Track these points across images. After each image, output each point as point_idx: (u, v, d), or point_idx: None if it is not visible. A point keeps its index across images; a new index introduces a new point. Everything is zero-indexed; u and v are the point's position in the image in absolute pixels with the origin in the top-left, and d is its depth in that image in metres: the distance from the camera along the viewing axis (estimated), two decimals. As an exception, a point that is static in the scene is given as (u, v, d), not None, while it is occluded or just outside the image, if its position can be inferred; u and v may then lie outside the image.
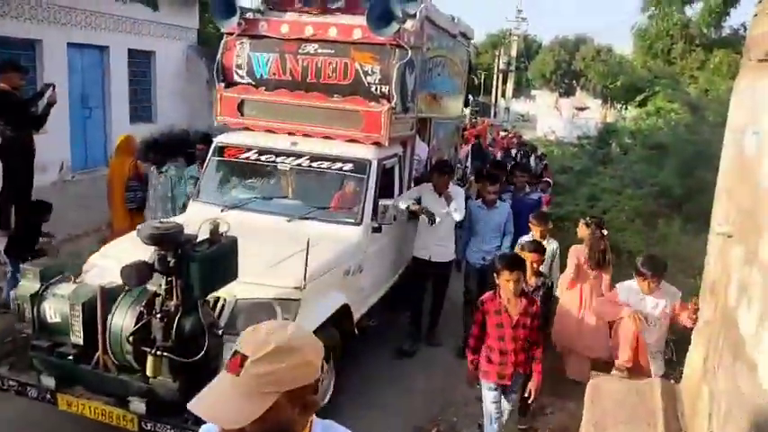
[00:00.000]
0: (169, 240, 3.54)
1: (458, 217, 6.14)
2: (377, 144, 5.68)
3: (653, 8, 23.63)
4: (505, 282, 4.10)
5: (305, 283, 4.20)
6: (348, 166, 5.57)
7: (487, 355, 4.31)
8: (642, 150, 14.80)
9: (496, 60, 47.73)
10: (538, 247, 5.20)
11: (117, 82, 13.57)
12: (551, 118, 36.07)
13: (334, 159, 5.61)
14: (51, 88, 6.94)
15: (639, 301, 4.84)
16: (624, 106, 21.22)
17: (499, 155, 15.27)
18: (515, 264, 4.21)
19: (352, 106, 5.64)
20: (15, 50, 10.75)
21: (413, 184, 6.74)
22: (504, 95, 42.82)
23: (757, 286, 2.82)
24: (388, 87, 5.56)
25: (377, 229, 5.46)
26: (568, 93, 50.52)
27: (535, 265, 5.24)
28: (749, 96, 3.59)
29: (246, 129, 6.09)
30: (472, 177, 10.61)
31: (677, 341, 5.90)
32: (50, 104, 6.82)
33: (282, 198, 5.75)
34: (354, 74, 5.63)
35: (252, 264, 4.24)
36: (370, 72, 5.58)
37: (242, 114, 6.01)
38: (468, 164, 11.40)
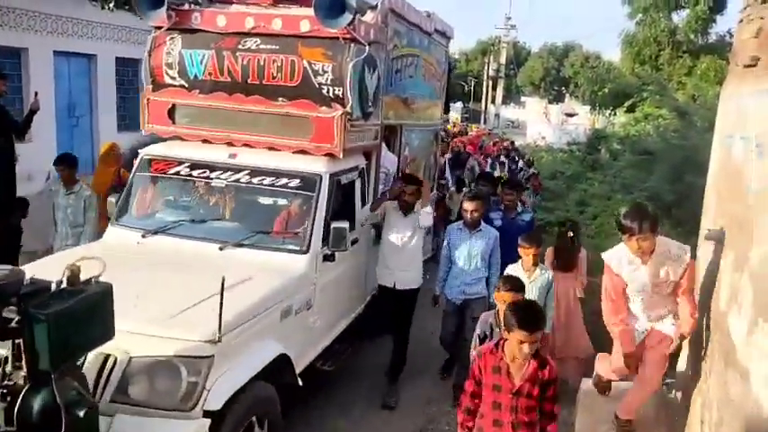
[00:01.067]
0: (4, 293, 2.53)
1: (425, 222, 5.31)
2: (330, 156, 4.76)
3: (640, 15, 23.84)
4: (518, 343, 3.01)
5: (220, 334, 3.22)
6: (294, 182, 4.65)
7: (480, 426, 3.28)
8: (631, 156, 14.82)
9: (486, 67, 47.92)
10: (514, 285, 3.88)
11: (104, 90, 13.31)
12: (541, 124, 36.02)
13: (278, 174, 4.67)
14: (34, 95, 6.82)
15: (633, 271, 3.69)
16: (613, 112, 21.26)
17: (488, 164, 14.13)
18: (535, 321, 3.02)
19: (300, 111, 4.72)
20: (1, 59, 10.52)
21: None
22: (493, 102, 42.79)
23: (747, 292, 2.81)
24: (342, 89, 4.66)
25: (329, 257, 4.55)
26: (557, 99, 50.56)
27: None
28: (735, 102, 3.60)
29: (179, 138, 5.10)
30: (453, 188, 9.81)
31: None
32: (33, 111, 6.57)
33: (216, 221, 4.78)
34: (302, 73, 4.71)
35: (158, 308, 3.39)
36: (320, 71, 4.67)
37: (173, 122, 5.03)
38: (448, 174, 10.62)
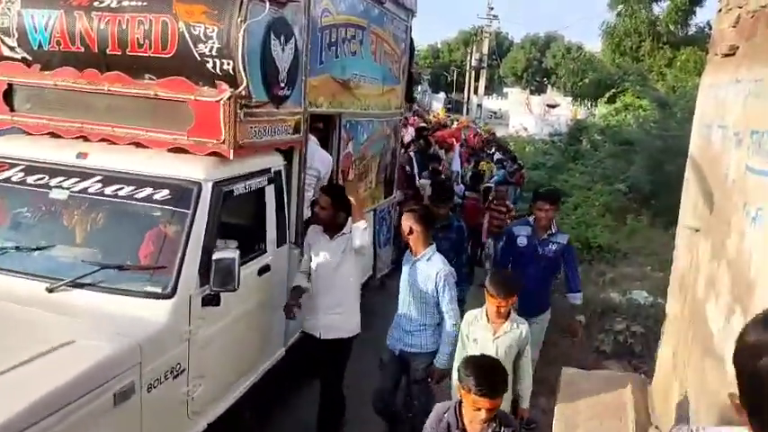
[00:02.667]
0: None
1: (359, 242, 3.97)
2: (216, 155, 3.36)
3: (621, 6, 23.91)
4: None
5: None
6: (161, 194, 3.25)
7: None
8: (611, 146, 14.94)
9: (468, 57, 47.93)
10: (493, 387, 2.49)
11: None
12: (523, 115, 36.22)
13: (140, 182, 3.29)
14: None
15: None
16: (594, 103, 21.38)
17: (465, 163, 12.77)
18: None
19: (173, 93, 3.32)
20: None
21: (304, 217, 4.47)
22: (476, 93, 42.78)
23: (724, 280, 2.83)
24: (231, 62, 3.26)
25: (211, 300, 3.18)
26: (539, 90, 50.61)
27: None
28: (714, 91, 3.61)
29: (21, 131, 3.72)
30: (424, 191, 8.45)
31: (647, 334, 5.98)
32: None
33: (50, 248, 3.28)
34: (178, 40, 3.29)
35: None
36: (202, 37, 3.25)
37: (11, 108, 3.63)
38: (416, 172, 9.44)
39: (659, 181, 11.16)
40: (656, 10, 23.08)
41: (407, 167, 9.26)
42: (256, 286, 3.80)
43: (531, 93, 44.85)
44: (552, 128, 21.86)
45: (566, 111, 28.13)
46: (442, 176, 9.32)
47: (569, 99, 25.97)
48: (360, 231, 3.95)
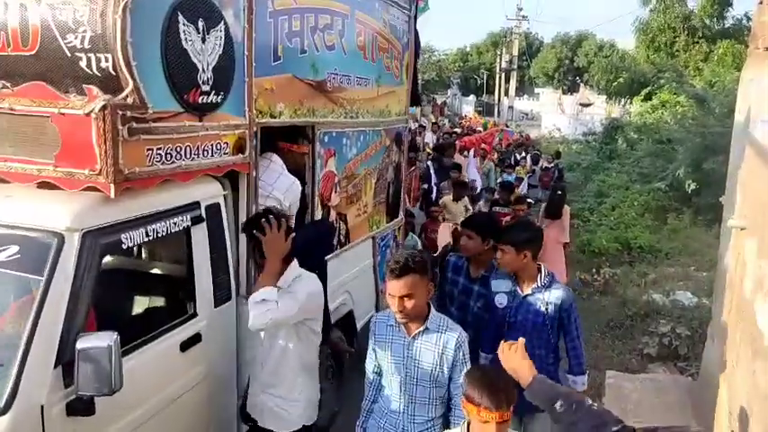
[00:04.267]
0: None
1: (304, 291, 2.82)
2: (94, 190, 2.43)
3: (654, 2, 23.51)
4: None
5: None
6: (7, 254, 2.33)
7: None
8: (649, 145, 14.72)
9: (498, 59, 47.63)
10: (501, 399, 2.13)
11: None
12: (556, 115, 35.87)
13: None
14: None
15: None
16: (629, 101, 21.13)
17: (491, 170, 12.06)
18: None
19: (32, 106, 2.45)
20: None
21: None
22: (507, 94, 42.53)
23: (774, 279, 2.77)
24: (110, 57, 2.33)
25: (84, 407, 2.24)
26: (572, 90, 50.09)
27: None
28: (757, 85, 3.55)
29: None
30: (443, 199, 8.17)
31: (692, 336, 5.86)
32: None
33: None
34: (41, 33, 2.39)
35: None
36: (71, 24, 2.34)
37: None
38: (434, 183, 9.14)
39: (700, 179, 10.93)
40: (690, 4, 22.67)
41: (425, 184, 8.95)
42: (177, 368, 2.79)
43: (564, 92, 44.37)
44: (586, 127, 21.57)
45: (599, 109, 27.76)
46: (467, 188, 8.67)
47: (603, 97, 25.63)
48: (255, 305, 2.67)
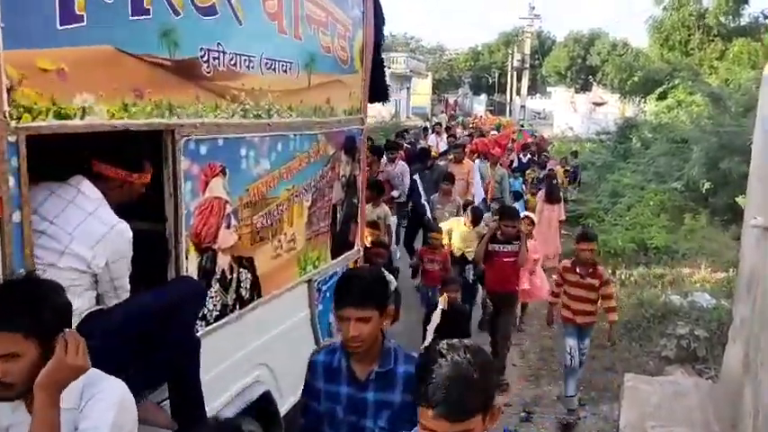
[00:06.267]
0: None
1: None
2: None
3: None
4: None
5: None
6: None
7: None
8: (664, 144, 14.60)
9: (510, 58, 47.45)
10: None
11: None
12: (568, 114, 35.71)
13: None
14: None
15: None
16: (643, 100, 20.99)
17: (504, 178, 9.97)
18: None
19: None
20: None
21: None
22: (518, 94, 42.33)
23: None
24: None
25: None
26: (584, 88, 49.89)
27: None
28: (779, 84, 3.52)
29: None
30: (449, 222, 6.86)
31: (710, 338, 5.81)
32: None
33: None
34: None
35: None
36: None
37: None
38: (421, 190, 8.03)
39: (716, 178, 10.83)
40: (704, 1, 22.52)
41: (411, 201, 8.04)
42: None
43: (576, 91, 44.14)
44: (599, 126, 21.42)
45: (613, 108, 27.59)
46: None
47: (616, 96, 25.47)
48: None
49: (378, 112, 29.81)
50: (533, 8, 37.22)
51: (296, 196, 3.54)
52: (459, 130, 20.31)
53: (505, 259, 5.52)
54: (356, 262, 4.44)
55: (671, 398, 4.31)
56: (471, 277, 6.55)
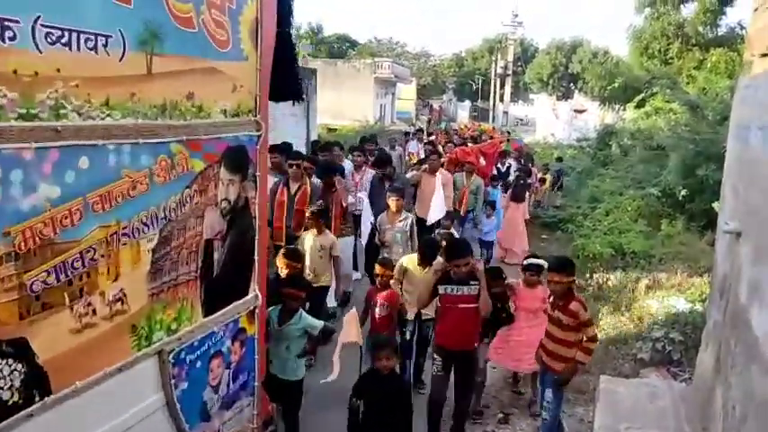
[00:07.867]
0: None
1: None
2: None
3: (648, 9, 23.70)
4: None
5: None
6: None
7: None
8: (642, 151, 14.78)
9: (493, 65, 47.76)
10: None
11: None
12: (550, 121, 36.05)
13: None
14: None
15: None
16: (622, 107, 21.23)
17: (479, 188, 8.90)
18: None
19: None
20: None
21: None
22: (502, 100, 42.69)
23: (769, 284, 2.76)
24: None
25: None
26: (566, 96, 50.38)
27: None
28: (752, 92, 3.55)
29: None
30: (404, 260, 5.20)
31: (685, 342, 5.86)
32: None
33: None
34: None
35: None
36: None
37: None
38: (369, 216, 6.72)
39: (693, 185, 10.95)
40: (683, 12, 22.83)
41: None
42: None
43: (558, 98, 44.48)
44: (580, 133, 21.62)
45: (593, 116, 27.87)
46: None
47: (597, 104, 25.73)
48: None
49: (363, 117, 29.84)
50: (516, 15, 37.50)
51: (124, 235, 2.38)
52: (441, 137, 18.87)
53: (461, 305, 4.26)
54: (253, 312, 3.30)
55: (645, 400, 4.32)
56: (409, 335, 5.05)
